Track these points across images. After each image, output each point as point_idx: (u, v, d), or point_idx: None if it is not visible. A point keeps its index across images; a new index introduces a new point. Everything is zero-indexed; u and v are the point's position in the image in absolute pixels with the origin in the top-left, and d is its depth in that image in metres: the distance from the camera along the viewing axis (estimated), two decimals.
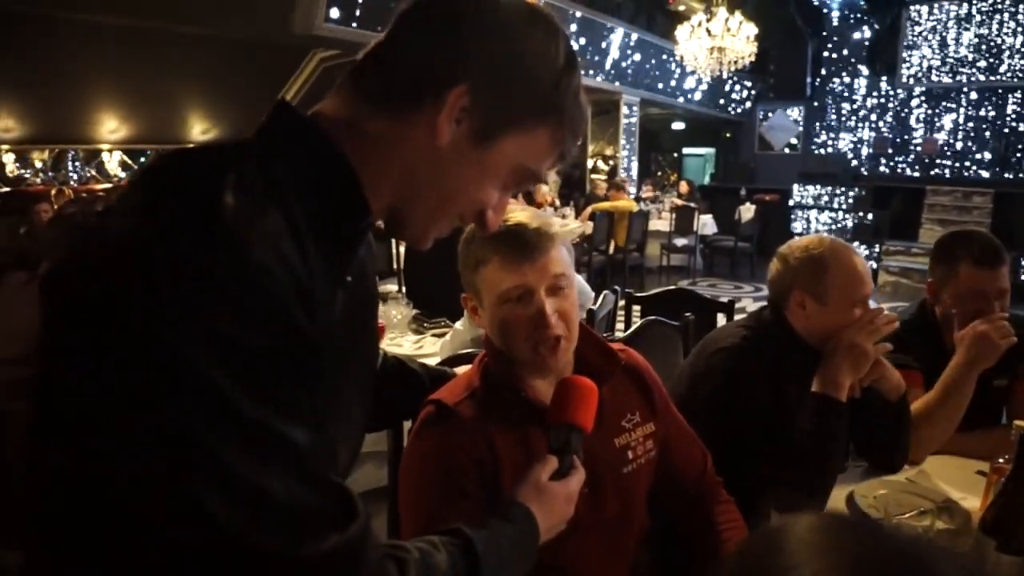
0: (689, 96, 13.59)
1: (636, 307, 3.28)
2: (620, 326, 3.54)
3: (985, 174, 11.82)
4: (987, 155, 11.90)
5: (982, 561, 1.23)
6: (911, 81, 12.55)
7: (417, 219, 0.82)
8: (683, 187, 11.76)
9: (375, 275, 1.04)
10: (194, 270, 0.60)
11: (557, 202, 10.99)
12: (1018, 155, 11.62)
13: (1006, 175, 11.64)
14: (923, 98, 12.49)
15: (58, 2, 7.02)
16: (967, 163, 12.08)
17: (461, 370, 1.44)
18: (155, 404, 0.59)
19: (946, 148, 12.30)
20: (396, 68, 0.77)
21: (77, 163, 14.20)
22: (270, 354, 0.63)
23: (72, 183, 12.68)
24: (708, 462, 1.45)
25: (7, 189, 11.11)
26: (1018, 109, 11.61)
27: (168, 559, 0.60)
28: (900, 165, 12.79)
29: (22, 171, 13.42)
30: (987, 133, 11.90)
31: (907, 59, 12.49)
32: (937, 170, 12.31)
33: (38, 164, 13.83)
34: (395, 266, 5.57)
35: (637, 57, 12.06)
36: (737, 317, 2.63)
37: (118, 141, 12.29)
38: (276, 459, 0.63)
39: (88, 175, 14.13)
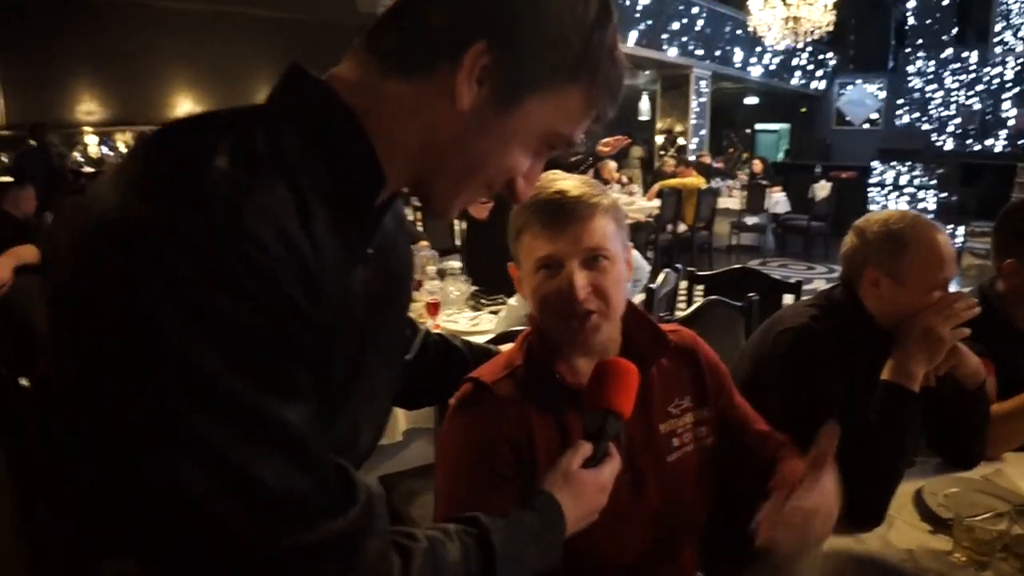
0: (763, 69, 13.12)
1: (699, 287, 3.19)
2: (682, 305, 3.45)
3: None
4: None
5: None
6: (1004, 51, 11.80)
7: (441, 189, 0.77)
8: (756, 166, 11.39)
9: (408, 248, 0.99)
10: (175, 237, 0.57)
11: (624, 179, 10.83)
12: None
13: None
14: (1017, 69, 11.73)
15: None
16: None
17: (506, 347, 1.40)
18: (133, 378, 0.56)
19: None
20: (412, 28, 0.72)
21: None
22: (260, 332, 0.59)
23: None
24: (783, 451, 1.33)
25: (92, 170, 11.57)
26: None
27: (159, 538, 0.59)
28: (989, 142, 12.10)
29: (106, 152, 13.99)
30: None
31: (1000, 27, 11.73)
32: None
33: (121, 146, 14.40)
34: (457, 243, 5.58)
35: (708, 29, 11.70)
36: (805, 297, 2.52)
37: None
38: (265, 441, 0.59)
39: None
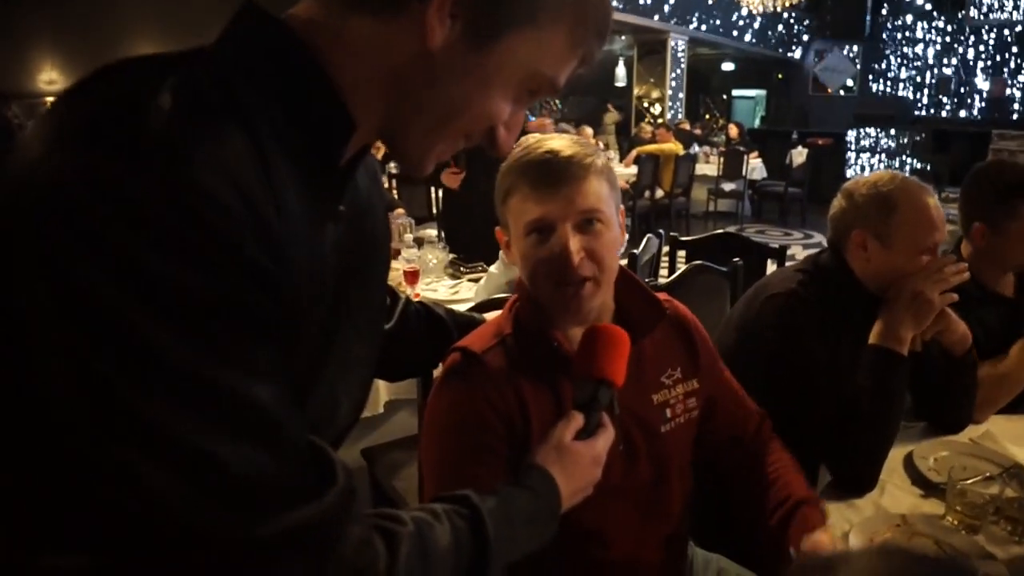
0: (740, 35, 13.04)
1: (681, 252, 3.16)
2: (664, 270, 3.43)
3: None
4: None
5: None
6: (979, 18, 11.83)
7: (414, 139, 0.69)
8: (732, 131, 11.35)
9: (385, 209, 0.92)
10: (108, 189, 0.49)
11: (602, 144, 10.75)
12: None
13: None
14: (992, 33, 11.78)
15: None
16: None
17: (491, 316, 1.36)
18: (67, 358, 0.48)
19: (1015, 90, 11.65)
20: None
21: None
22: (215, 299, 0.52)
23: None
24: (764, 424, 1.34)
25: None
26: None
27: (113, 533, 0.51)
28: (963, 108, 12.18)
29: None
30: None
31: None
32: (1004, 113, 11.68)
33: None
34: (434, 211, 5.51)
35: None
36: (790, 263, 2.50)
37: None
38: (227, 420, 0.52)
39: None
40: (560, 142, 1.10)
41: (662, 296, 1.28)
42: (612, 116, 13.26)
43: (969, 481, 1.28)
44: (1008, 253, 1.83)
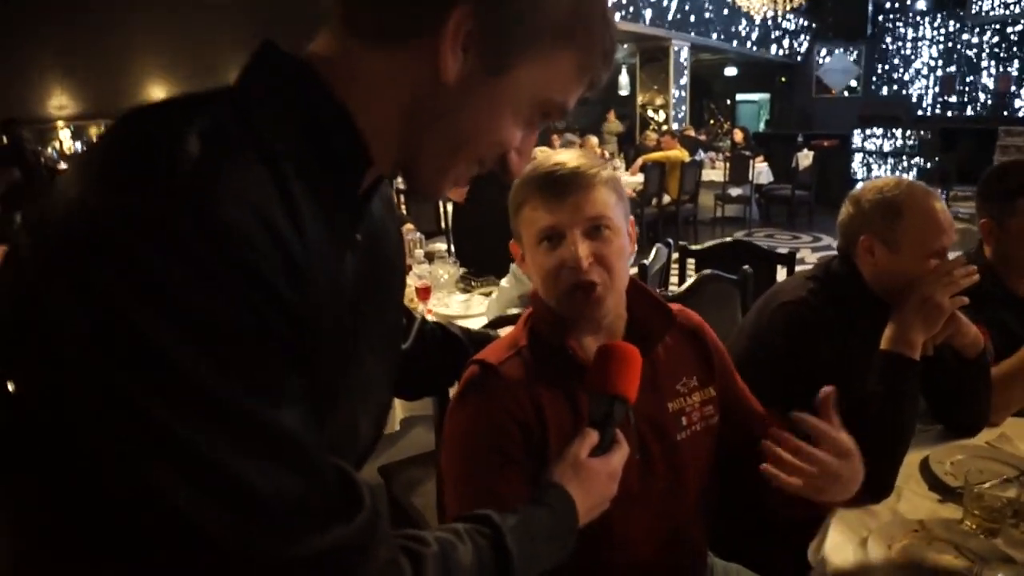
0: (742, 39, 13.06)
1: (691, 261, 3.17)
2: (674, 279, 3.44)
3: None
4: None
5: None
6: (982, 14, 11.81)
7: (429, 167, 0.72)
8: (737, 135, 11.36)
9: (398, 233, 0.95)
10: (142, 228, 0.52)
11: (607, 153, 10.77)
12: None
13: None
14: (995, 30, 11.76)
15: None
16: None
17: (505, 331, 1.38)
18: (107, 388, 0.51)
19: (1021, 85, 11.61)
20: None
21: None
22: (243, 328, 0.54)
23: None
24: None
25: (65, 166, 11.37)
26: None
27: (147, 555, 0.54)
28: (969, 106, 12.14)
29: (79, 146, 13.75)
30: None
31: None
32: (1010, 109, 11.65)
33: (95, 139, 14.15)
34: (443, 225, 5.54)
35: (687, 1, 11.62)
36: (799, 269, 2.51)
37: None
38: (257, 446, 0.55)
39: None
40: (567, 155, 1.15)
41: (675, 307, 1.29)
42: (613, 126, 13.25)
43: (986, 484, 1.28)
44: (1014, 251, 1.84)
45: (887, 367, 1.43)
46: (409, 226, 4.19)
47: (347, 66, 0.67)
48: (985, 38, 11.91)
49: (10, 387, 0.55)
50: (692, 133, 11.30)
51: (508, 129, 0.71)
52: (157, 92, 11.73)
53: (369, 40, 0.67)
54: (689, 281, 2.34)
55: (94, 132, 13.95)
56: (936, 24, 12.42)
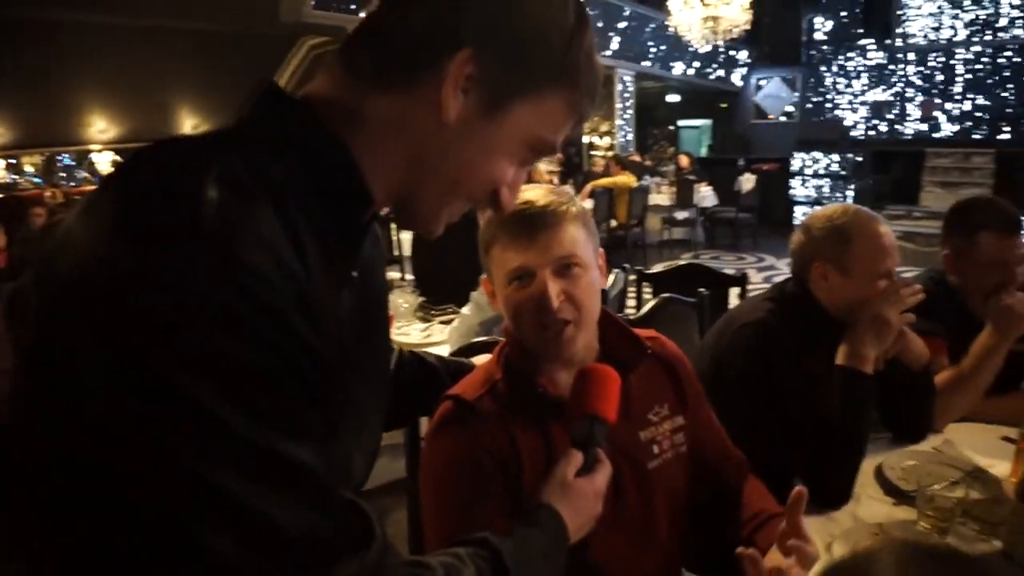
0: (683, 68, 13.45)
1: (646, 284, 3.25)
2: (631, 303, 3.51)
3: (985, 134, 11.73)
4: (986, 116, 11.80)
5: (1021, 530, 1.21)
6: (907, 42, 12.42)
7: (427, 204, 0.74)
8: (683, 161, 11.66)
9: (384, 267, 0.97)
10: (173, 277, 0.53)
11: (555, 180, 10.90)
12: (1018, 114, 11.52)
13: (1006, 135, 11.55)
14: (920, 58, 12.37)
15: (41, 3, 6.93)
16: (967, 124, 11.99)
17: (479, 359, 1.40)
18: (142, 438, 0.52)
19: (944, 109, 12.20)
20: (390, 39, 0.69)
21: (69, 165, 14.14)
22: (267, 368, 0.56)
23: (64, 186, 12.57)
24: (743, 465, 1.38)
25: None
26: (1016, 66, 11.49)
27: None
28: (899, 129, 12.70)
29: (13, 177, 13.34)
30: (987, 93, 11.80)
31: (903, 18, 12.35)
32: (936, 132, 12.22)
33: (29, 169, 13.74)
34: (396, 253, 5.54)
35: (629, 29, 11.93)
36: (751, 290, 2.61)
37: (108, 141, 12.20)
38: (283, 486, 0.56)
39: (80, 176, 14.05)
40: (536, 192, 1.15)
41: (650, 333, 1.33)
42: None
43: (937, 487, 1.36)
44: (974, 279, 1.97)
45: (843, 381, 1.52)
46: None
47: (349, 107, 0.69)
48: (911, 66, 12.50)
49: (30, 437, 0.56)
50: (637, 158, 11.54)
51: (502, 167, 0.75)
52: (96, 120, 11.47)
53: (372, 83, 0.69)
54: (648, 305, 2.40)
55: (27, 162, 13.53)
56: (866, 52, 12.99)
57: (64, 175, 13.95)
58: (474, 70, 0.68)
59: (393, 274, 4.57)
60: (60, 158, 13.79)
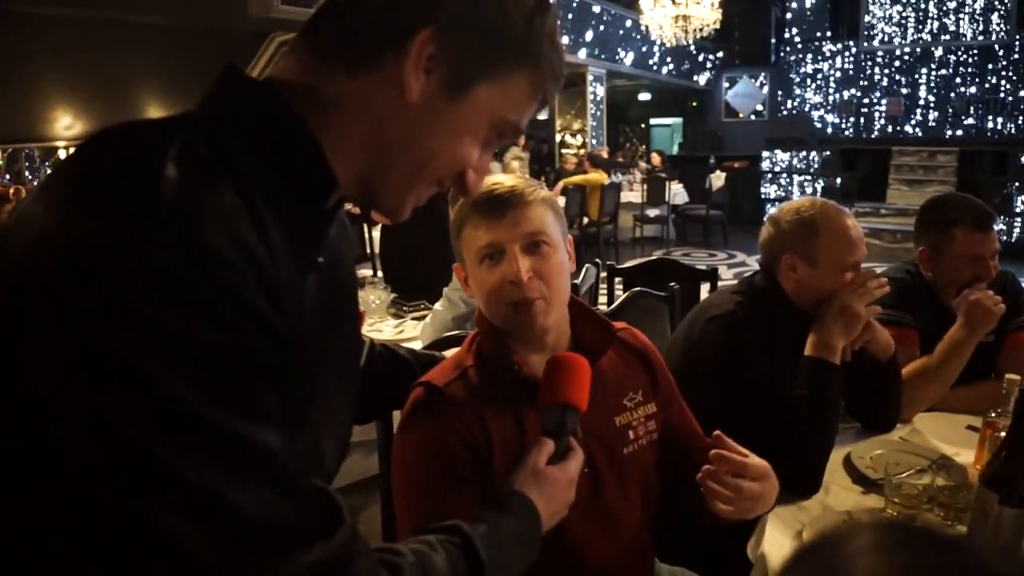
0: (654, 66, 13.53)
1: (618, 279, 3.26)
2: (602, 298, 3.52)
3: (949, 133, 11.96)
4: (950, 114, 12.03)
5: (984, 515, 1.23)
6: (874, 43, 12.63)
7: (392, 187, 0.74)
8: (655, 159, 11.75)
9: (352, 258, 0.96)
10: (128, 255, 0.52)
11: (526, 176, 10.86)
12: (980, 113, 11.77)
13: (970, 133, 11.79)
14: (886, 59, 12.58)
15: None
16: (931, 123, 12.21)
17: (451, 353, 1.40)
18: (93, 415, 0.51)
19: (910, 109, 12.42)
20: (352, 19, 0.68)
21: (35, 161, 13.86)
22: (226, 349, 0.55)
23: (30, 182, 12.31)
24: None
25: None
26: (979, 67, 11.73)
27: None
28: (866, 127, 12.90)
29: None
30: (951, 93, 12.03)
31: (870, 21, 12.55)
32: (902, 131, 12.44)
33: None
34: (368, 250, 5.50)
35: (601, 28, 11.97)
36: (721, 284, 2.63)
37: (74, 137, 11.95)
38: (242, 468, 0.55)
39: (46, 173, 13.78)
40: (503, 177, 1.18)
41: (622, 325, 1.34)
42: (514, 152, 13.05)
43: (903, 475, 1.39)
44: (948, 274, 1.99)
45: (812, 371, 1.54)
46: None
47: (312, 89, 0.68)
48: (878, 67, 12.70)
49: None
50: (604, 154, 11.56)
51: (467, 148, 0.74)
52: (61, 116, 11.25)
53: (334, 64, 0.68)
54: (620, 299, 2.41)
55: None
56: (833, 52, 13.17)
57: (29, 172, 13.65)
58: (436, 50, 0.68)
59: (365, 271, 4.53)
60: (27, 153, 13.50)
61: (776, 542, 1.31)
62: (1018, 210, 9.90)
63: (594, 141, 12.73)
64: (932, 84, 12.18)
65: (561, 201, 8.47)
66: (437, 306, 2.69)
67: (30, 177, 13.44)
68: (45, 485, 0.53)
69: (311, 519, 0.61)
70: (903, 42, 12.34)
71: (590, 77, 12.34)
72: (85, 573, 0.54)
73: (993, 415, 1.51)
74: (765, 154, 12.55)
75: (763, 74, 14.29)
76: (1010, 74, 11.48)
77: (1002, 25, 11.46)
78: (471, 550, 0.81)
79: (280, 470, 0.58)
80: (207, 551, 0.53)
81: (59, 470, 0.52)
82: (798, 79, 13.66)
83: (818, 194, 11.58)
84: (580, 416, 1.06)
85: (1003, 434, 1.22)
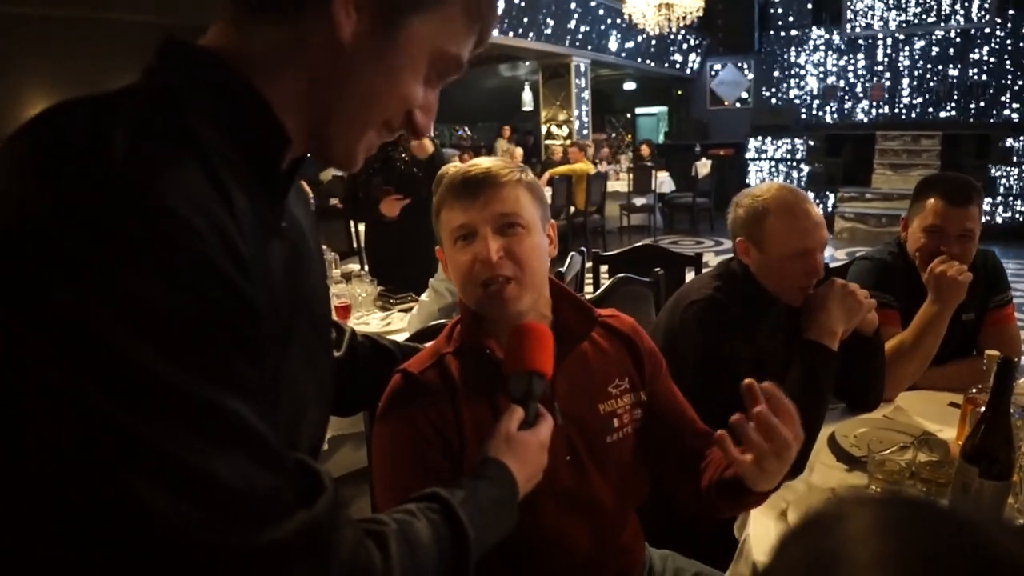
0: (639, 55, 13.52)
1: (603, 267, 3.27)
2: (588, 286, 3.53)
3: (932, 118, 12.02)
4: (933, 99, 12.09)
5: (965, 488, 1.24)
6: (857, 28, 12.66)
7: (340, 135, 0.72)
8: (644, 150, 11.77)
9: (317, 232, 0.93)
10: (82, 218, 0.51)
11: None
12: (962, 97, 11.83)
13: (953, 117, 11.85)
14: (869, 45, 12.62)
15: None
16: (915, 108, 12.27)
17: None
18: (58, 387, 0.49)
19: (893, 94, 12.47)
20: None
21: None
22: (196, 316, 0.54)
23: None
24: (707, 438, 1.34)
25: None
26: (961, 52, 11.79)
27: (107, 555, 0.51)
28: (850, 113, 12.95)
29: None
30: (933, 78, 12.08)
31: (852, 6, 12.58)
32: (885, 116, 12.50)
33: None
34: (354, 245, 5.49)
35: (585, 17, 11.95)
36: (706, 270, 2.64)
37: None
38: (218, 435, 0.54)
39: None
40: (484, 160, 1.19)
41: (609, 311, 1.33)
42: (503, 144, 13.12)
43: (887, 451, 1.40)
44: (912, 244, 2.01)
45: (810, 355, 1.54)
46: (323, 246, 4.12)
47: (245, 46, 0.67)
48: (861, 53, 12.74)
49: None
50: (590, 147, 11.56)
51: (409, 86, 0.72)
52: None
53: (263, 15, 0.67)
54: (605, 285, 2.42)
55: None
56: (817, 40, 13.20)
57: None
58: None
59: (352, 265, 4.52)
60: None
61: (761, 522, 1.32)
62: (1000, 191, 9.99)
63: (580, 131, 12.72)
64: (915, 69, 12.23)
65: (548, 191, 8.50)
66: (423, 297, 2.70)
67: None
68: (16, 462, 0.51)
69: (291, 487, 0.60)
70: (886, 28, 12.38)
71: (574, 67, 12.31)
72: (67, 549, 0.52)
73: (974, 391, 1.53)
74: (751, 142, 12.58)
75: (747, 61, 14.31)
76: (991, 58, 11.54)
77: (984, 9, 11.52)
78: (452, 515, 0.82)
79: (257, 437, 0.57)
80: (185, 520, 0.52)
81: (27, 444, 0.51)
82: (782, 66, 13.68)
83: (803, 180, 11.63)
84: (559, 404, 1.06)
85: (983, 409, 1.24)
